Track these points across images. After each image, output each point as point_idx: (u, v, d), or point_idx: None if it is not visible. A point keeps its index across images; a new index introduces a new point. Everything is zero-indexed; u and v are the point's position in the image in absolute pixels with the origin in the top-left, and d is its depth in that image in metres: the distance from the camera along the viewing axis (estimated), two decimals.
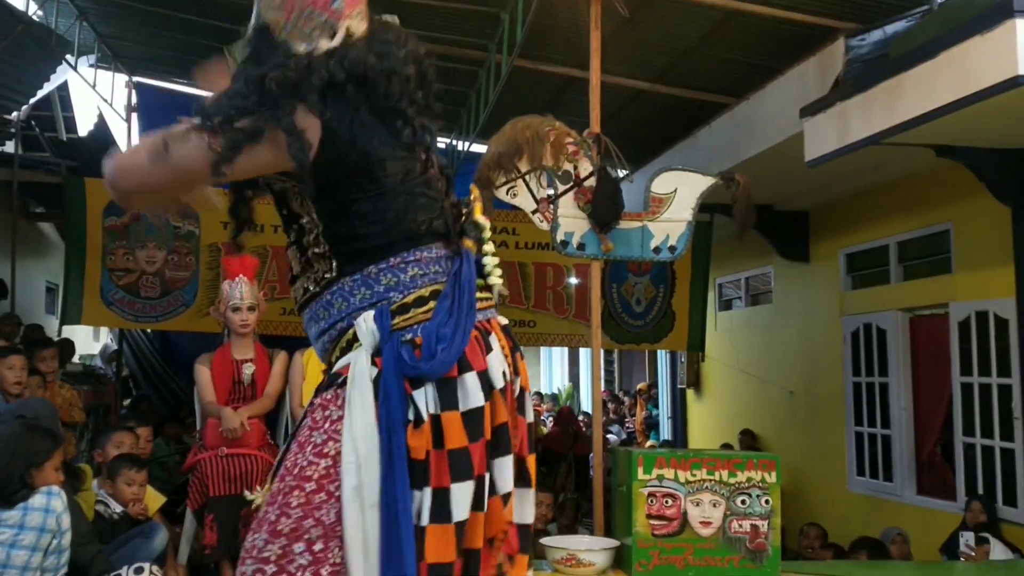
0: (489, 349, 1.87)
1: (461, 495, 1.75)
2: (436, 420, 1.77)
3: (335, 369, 1.86)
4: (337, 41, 1.83)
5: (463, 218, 1.97)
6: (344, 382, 1.79)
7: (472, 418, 1.78)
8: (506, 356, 1.92)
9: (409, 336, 1.79)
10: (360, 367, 1.77)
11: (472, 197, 2.04)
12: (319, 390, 1.87)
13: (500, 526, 1.88)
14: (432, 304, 1.82)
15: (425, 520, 1.72)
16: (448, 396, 1.78)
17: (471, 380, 1.80)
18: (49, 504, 3.46)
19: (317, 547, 1.71)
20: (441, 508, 1.74)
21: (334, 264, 1.87)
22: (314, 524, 1.72)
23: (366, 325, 1.79)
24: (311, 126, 1.76)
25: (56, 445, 3.70)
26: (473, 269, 1.90)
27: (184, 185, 1.90)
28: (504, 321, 2.00)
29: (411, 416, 1.75)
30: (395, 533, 1.69)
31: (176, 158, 1.77)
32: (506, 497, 1.88)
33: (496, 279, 2.01)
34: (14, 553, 3.37)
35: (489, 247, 2.02)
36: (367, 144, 1.81)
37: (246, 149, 1.74)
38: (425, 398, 1.76)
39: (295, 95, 1.76)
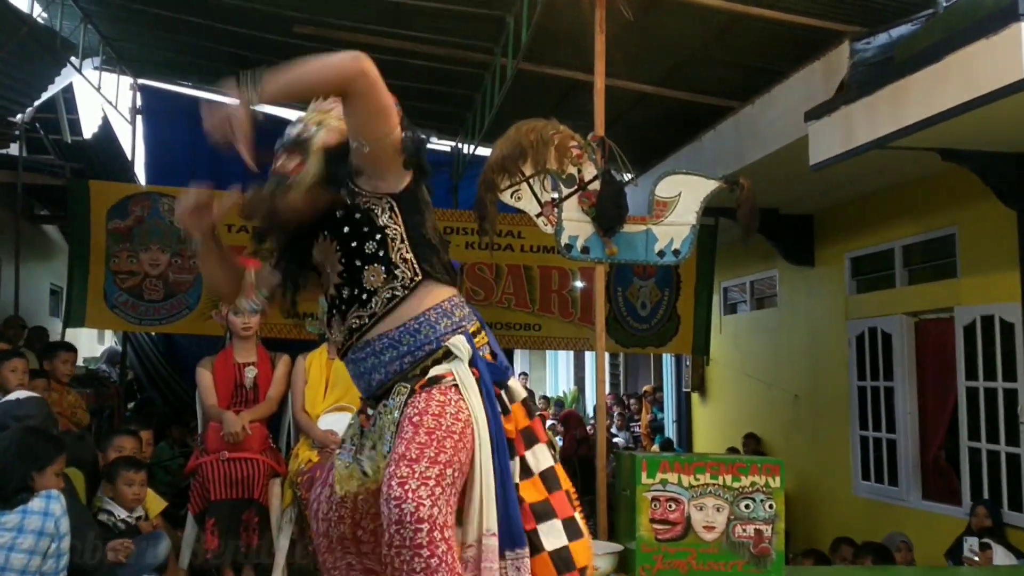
0: None
1: (536, 456, 2.46)
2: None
3: (434, 374, 2.36)
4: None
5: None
6: (451, 382, 2.33)
7: (526, 404, 2.50)
8: None
9: (482, 353, 2.44)
10: (467, 373, 2.36)
11: None
12: (425, 385, 2.33)
13: None
14: (483, 334, 2.50)
15: (517, 479, 2.40)
16: (510, 394, 2.47)
17: (514, 383, 2.50)
18: (48, 508, 3.46)
19: (459, 480, 2.27)
20: (525, 469, 2.44)
21: (417, 268, 2.40)
22: (458, 463, 2.26)
23: (462, 345, 2.38)
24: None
25: (59, 451, 3.70)
26: None
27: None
28: None
29: (499, 408, 2.40)
30: (506, 491, 2.34)
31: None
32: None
33: None
34: (12, 556, 3.36)
35: None
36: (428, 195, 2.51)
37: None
38: (504, 395, 2.45)
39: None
